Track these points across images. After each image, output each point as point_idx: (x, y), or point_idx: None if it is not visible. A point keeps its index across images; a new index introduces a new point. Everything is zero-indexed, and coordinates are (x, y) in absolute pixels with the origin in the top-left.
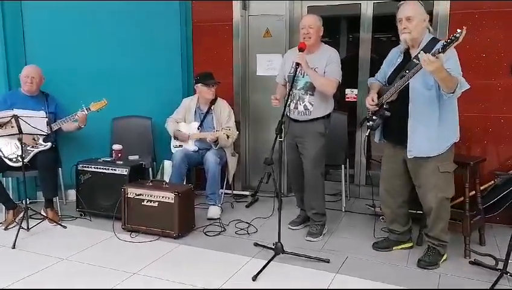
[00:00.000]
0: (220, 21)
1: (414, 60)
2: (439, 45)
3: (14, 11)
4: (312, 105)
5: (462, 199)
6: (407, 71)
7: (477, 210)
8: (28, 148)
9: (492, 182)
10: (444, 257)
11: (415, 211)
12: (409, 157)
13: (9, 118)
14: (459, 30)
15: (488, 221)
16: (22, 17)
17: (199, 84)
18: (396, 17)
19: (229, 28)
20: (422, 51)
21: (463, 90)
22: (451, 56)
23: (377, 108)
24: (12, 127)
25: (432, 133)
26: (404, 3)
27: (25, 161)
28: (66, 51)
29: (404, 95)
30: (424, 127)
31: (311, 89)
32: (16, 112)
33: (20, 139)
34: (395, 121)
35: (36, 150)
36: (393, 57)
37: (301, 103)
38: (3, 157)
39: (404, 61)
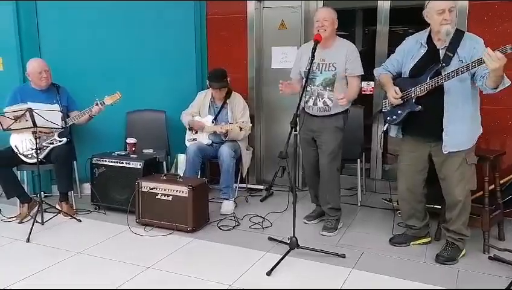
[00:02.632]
0: (234, 13)
1: (448, 52)
2: (472, 37)
3: (29, 11)
4: (332, 101)
5: (481, 193)
6: (443, 64)
7: (497, 204)
8: (44, 143)
9: None
10: (463, 253)
11: (432, 206)
12: (444, 152)
13: (24, 111)
14: None
15: (507, 216)
16: (36, 16)
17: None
18: (434, 8)
19: (244, 20)
20: (489, 48)
21: (505, 87)
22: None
23: (401, 102)
24: (26, 120)
25: (465, 127)
26: None
27: (40, 157)
28: (81, 45)
29: (435, 88)
30: (459, 121)
31: (330, 85)
32: (31, 105)
33: (34, 133)
34: (423, 116)
35: (52, 146)
36: (411, 48)
37: (320, 99)
38: (18, 154)
39: (430, 52)
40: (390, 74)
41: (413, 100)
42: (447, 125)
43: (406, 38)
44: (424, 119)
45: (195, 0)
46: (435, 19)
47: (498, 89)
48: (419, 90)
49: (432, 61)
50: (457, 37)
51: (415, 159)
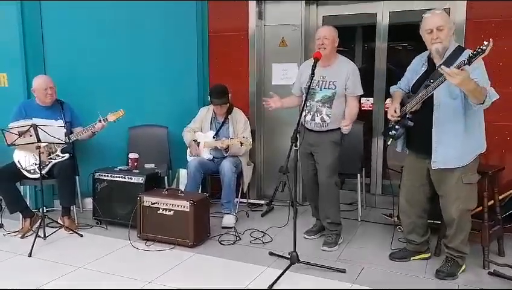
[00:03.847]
0: (235, 31)
1: (439, 69)
2: (464, 56)
3: (35, 26)
4: (329, 117)
5: (480, 208)
6: (431, 81)
7: (496, 220)
8: (47, 159)
9: (511, 191)
10: (463, 268)
11: (432, 221)
12: (433, 168)
13: (28, 126)
14: (485, 42)
15: (507, 231)
16: (42, 32)
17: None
18: (423, 28)
19: (245, 37)
20: (442, 65)
21: (493, 101)
22: (477, 66)
23: (400, 118)
24: (30, 136)
25: (457, 144)
26: (431, 14)
27: (42, 172)
28: (84, 60)
29: (428, 104)
30: (449, 137)
31: (329, 101)
32: (35, 121)
33: (38, 148)
34: (418, 131)
35: (54, 161)
36: (417, 65)
37: (318, 114)
38: (21, 169)
39: (429, 70)
40: (402, 90)
41: (407, 116)
42: (435, 141)
43: (416, 57)
44: (418, 135)
45: (197, 0)
46: (426, 38)
47: (485, 104)
48: (409, 106)
49: (428, 78)
50: (456, 54)
51: (415, 174)
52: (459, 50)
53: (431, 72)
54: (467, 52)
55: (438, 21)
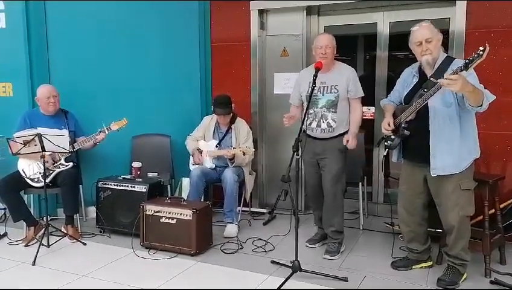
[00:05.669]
0: (238, 41)
1: (431, 78)
2: (458, 63)
3: (40, 35)
4: (335, 122)
5: (481, 217)
6: (425, 90)
7: (497, 228)
8: (50, 167)
9: None
10: (464, 276)
11: (434, 230)
12: (433, 175)
13: (33, 136)
14: (481, 48)
15: (508, 240)
16: (47, 41)
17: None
18: (412, 41)
19: (247, 47)
20: (440, 79)
21: (490, 102)
22: (470, 72)
23: (391, 133)
24: (35, 145)
25: (453, 150)
26: (418, 26)
27: (46, 180)
28: (88, 70)
29: (423, 113)
30: (446, 144)
31: (333, 106)
32: (40, 130)
33: (42, 157)
34: (414, 140)
35: (58, 170)
36: (408, 77)
37: (324, 120)
38: (25, 178)
39: (420, 81)
40: (393, 103)
41: (403, 126)
42: (433, 149)
43: (405, 69)
44: (415, 144)
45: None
46: (415, 50)
47: (484, 106)
48: (404, 115)
49: (421, 88)
50: (446, 64)
51: (412, 183)
52: (448, 60)
53: (423, 83)
54: (457, 62)
55: (426, 33)
